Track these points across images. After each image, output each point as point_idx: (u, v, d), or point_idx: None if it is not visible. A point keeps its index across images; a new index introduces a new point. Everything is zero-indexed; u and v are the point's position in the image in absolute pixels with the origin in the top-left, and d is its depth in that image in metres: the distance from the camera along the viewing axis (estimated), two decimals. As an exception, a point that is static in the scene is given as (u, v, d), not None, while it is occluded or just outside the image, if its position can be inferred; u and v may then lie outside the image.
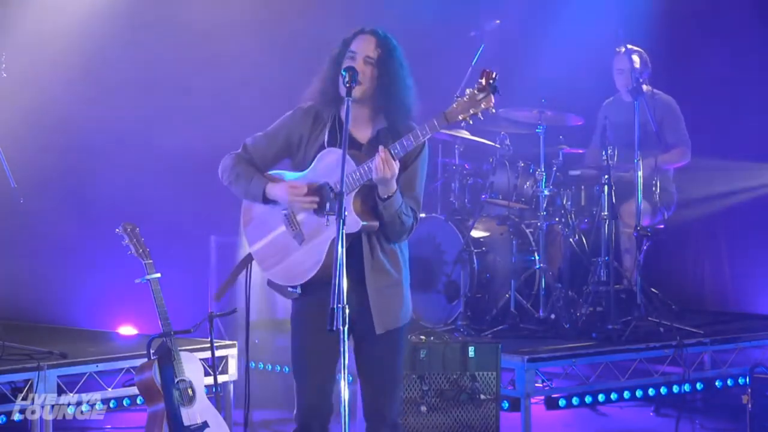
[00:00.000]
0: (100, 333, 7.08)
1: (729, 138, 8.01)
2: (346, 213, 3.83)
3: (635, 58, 7.15)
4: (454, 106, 4.05)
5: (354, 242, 4.15)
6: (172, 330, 5.23)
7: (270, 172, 4.35)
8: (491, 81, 4.01)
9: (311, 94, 4.31)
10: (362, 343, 4.28)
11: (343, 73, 4.07)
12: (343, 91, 4.12)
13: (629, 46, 7.15)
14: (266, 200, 4.27)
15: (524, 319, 6.81)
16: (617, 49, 7.29)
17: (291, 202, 4.20)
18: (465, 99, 4.04)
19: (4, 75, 6.25)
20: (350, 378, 4.59)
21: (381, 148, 4.03)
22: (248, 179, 4.29)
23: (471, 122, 4.06)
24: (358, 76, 4.09)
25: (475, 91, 4.03)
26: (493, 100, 4.02)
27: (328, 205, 4.10)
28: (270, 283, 4.37)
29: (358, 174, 4.08)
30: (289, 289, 4.27)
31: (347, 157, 3.98)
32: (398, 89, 4.20)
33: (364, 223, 4.12)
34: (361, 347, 4.30)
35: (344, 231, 3.84)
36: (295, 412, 4.34)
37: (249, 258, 4.43)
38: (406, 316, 4.33)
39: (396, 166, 4.03)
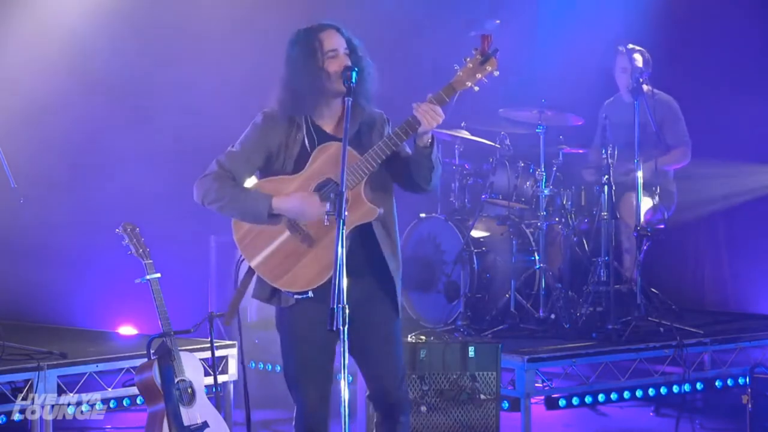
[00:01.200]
0: (100, 333, 7.08)
1: (729, 138, 8.01)
2: (346, 213, 3.80)
3: (638, 57, 7.13)
4: (460, 74, 4.06)
5: (366, 231, 4.12)
6: (172, 330, 5.23)
7: (261, 181, 4.24)
8: (490, 44, 4.03)
9: (281, 101, 4.20)
10: (377, 331, 4.20)
11: (348, 73, 4.04)
12: (334, 89, 4.12)
13: (631, 46, 7.14)
14: (271, 216, 4.13)
15: (524, 319, 6.81)
16: (619, 48, 7.28)
17: (307, 216, 4.09)
18: (469, 66, 4.05)
19: None
20: (350, 378, 4.58)
21: (416, 104, 4.00)
22: (244, 199, 4.14)
23: (477, 88, 4.07)
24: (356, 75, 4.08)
25: (478, 56, 4.04)
26: (496, 63, 4.04)
27: (328, 205, 4.06)
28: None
29: (362, 162, 4.06)
30: (296, 296, 4.14)
31: (347, 149, 3.94)
32: (369, 72, 4.20)
33: (381, 209, 4.11)
34: (375, 337, 4.20)
35: (364, 220, 3.90)
36: (294, 418, 4.30)
37: (251, 273, 4.22)
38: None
39: (441, 112, 4.04)
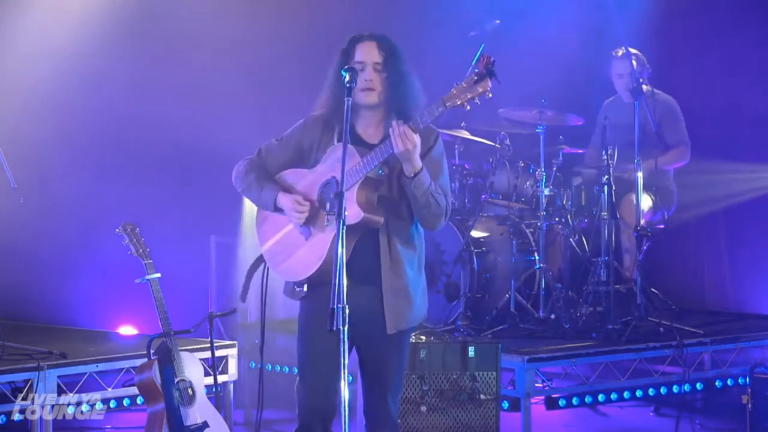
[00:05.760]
0: (100, 333, 7.08)
1: (729, 138, 8.01)
2: (346, 213, 3.83)
3: (633, 61, 7.10)
4: (453, 91, 4.06)
5: (370, 240, 4.16)
6: (172, 330, 5.23)
7: (285, 171, 4.38)
8: (489, 66, 4.01)
9: (320, 104, 4.36)
10: (370, 342, 4.26)
11: (344, 73, 4.08)
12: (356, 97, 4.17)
13: (623, 51, 7.12)
14: (277, 208, 4.31)
15: (524, 319, 6.81)
16: (614, 53, 7.28)
17: (290, 218, 4.25)
18: (463, 84, 4.05)
19: None
20: (350, 378, 4.59)
21: (394, 122, 4.04)
22: (259, 188, 4.34)
23: (468, 107, 4.07)
24: (357, 77, 4.11)
25: (474, 77, 4.04)
26: (489, 85, 4.02)
27: (328, 204, 4.11)
28: (285, 290, 4.38)
29: (360, 164, 4.09)
30: (297, 288, 4.26)
31: (353, 150, 4.05)
32: (407, 88, 4.25)
33: (366, 214, 4.11)
34: (368, 347, 4.28)
35: (346, 224, 3.84)
36: (297, 411, 4.33)
37: (261, 258, 4.45)
38: (417, 318, 4.33)
39: (417, 138, 4.04)
